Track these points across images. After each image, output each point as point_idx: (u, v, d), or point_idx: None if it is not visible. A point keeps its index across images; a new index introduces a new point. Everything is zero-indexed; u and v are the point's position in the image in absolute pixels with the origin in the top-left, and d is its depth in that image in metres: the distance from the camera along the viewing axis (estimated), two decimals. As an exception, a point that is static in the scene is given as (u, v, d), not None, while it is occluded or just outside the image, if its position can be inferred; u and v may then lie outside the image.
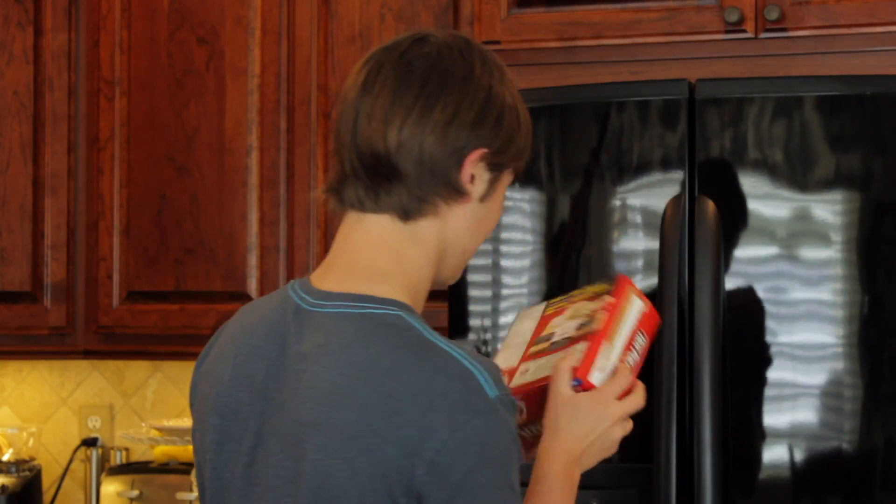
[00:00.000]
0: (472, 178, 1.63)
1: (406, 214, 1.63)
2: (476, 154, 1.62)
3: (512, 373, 1.80)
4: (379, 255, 1.64)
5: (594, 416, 1.72)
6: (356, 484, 1.51)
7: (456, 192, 1.62)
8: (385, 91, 1.62)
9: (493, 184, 1.66)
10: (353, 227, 1.67)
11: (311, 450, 1.55)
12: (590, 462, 1.74)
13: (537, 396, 1.74)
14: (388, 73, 1.63)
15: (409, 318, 1.58)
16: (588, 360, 1.73)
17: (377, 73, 1.64)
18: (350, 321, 1.59)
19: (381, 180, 1.62)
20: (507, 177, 1.69)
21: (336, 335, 1.59)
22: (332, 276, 1.66)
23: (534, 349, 1.82)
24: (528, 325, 1.87)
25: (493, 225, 1.70)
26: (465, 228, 1.66)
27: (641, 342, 1.82)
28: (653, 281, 2.41)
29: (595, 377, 1.73)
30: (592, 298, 1.82)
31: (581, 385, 1.72)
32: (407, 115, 1.61)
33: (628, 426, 1.76)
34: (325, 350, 1.58)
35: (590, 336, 1.75)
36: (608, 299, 1.80)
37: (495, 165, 1.65)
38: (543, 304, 1.91)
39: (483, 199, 1.65)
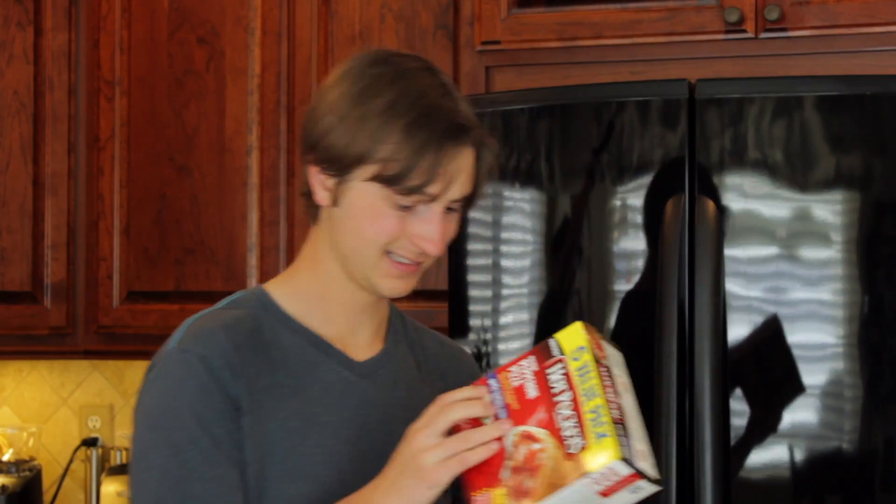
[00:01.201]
0: (325, 182, 1.68)
1: (310, 219, 1.75)
2: (308, 156, 1.70)
3: None
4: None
5: (391, 463, 1.58)
6: None
7: (309, 195, 1.71)
8: None
9: (339, 188, 1.66)
10: None
11: None
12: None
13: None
14: None
15: (230, 298, 1.75)
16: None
17: None
18: None
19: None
20: (364, 185, 1.64)
21: None
22: None
23: None
24: None
25: (370, 233, 1.66)
26: (336, 233, 1.70)
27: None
28: (653, 281, 2.41)
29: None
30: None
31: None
32: None
33: (452, 463, 1.54)
34: None
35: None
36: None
37: (326, 168, 1.66)
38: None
39: (336, 203, 1.68)
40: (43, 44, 3.34)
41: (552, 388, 1.54)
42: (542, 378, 1.56)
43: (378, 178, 1.62)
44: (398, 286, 1.70)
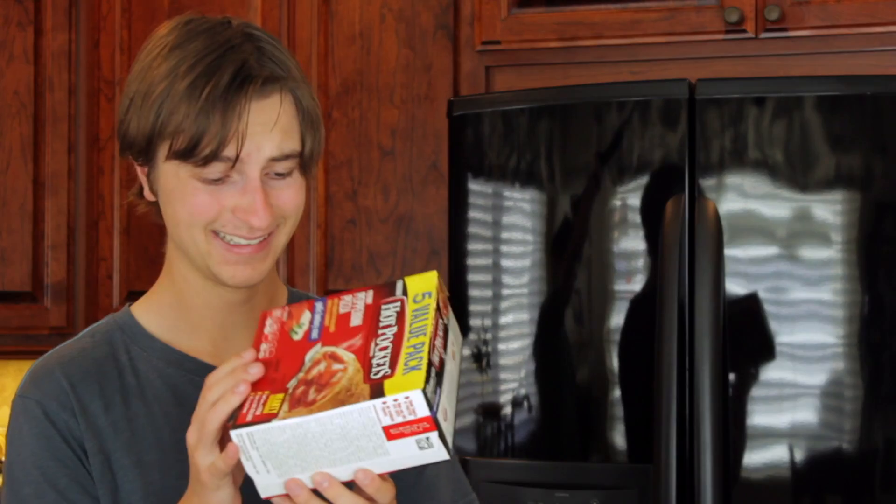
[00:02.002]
0: (143, 175, 1.53)
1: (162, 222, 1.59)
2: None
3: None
4: None
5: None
6: None
7: (141, 195, 1.55)
8: None
9: (151, 177, 1.50)
10: None
11: None
12: None
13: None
14: None
15: (92, 326, 1.61)
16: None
17: None
18: None
19: None
20: (166, 166, 1.48)
21: None
22: None
23: None
24: None
25: (184, 216, 1.48)
26: (168, 227, 1.54)
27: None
28: (653, 281, 2.41)
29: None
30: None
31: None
32: None
33: (220, 465, 1.34)
34: None
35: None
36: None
37: (135, 158, 1.51)
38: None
39: (155, 194, 1.52)
40: (43, 44, 3.34)
41: (380, 322, 1.38)
42: (373, 311, 1.39)
43: (173, 155, 1.44)
44: (239, 273, 1.49)
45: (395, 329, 1.37)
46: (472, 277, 2.58)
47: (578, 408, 2.50)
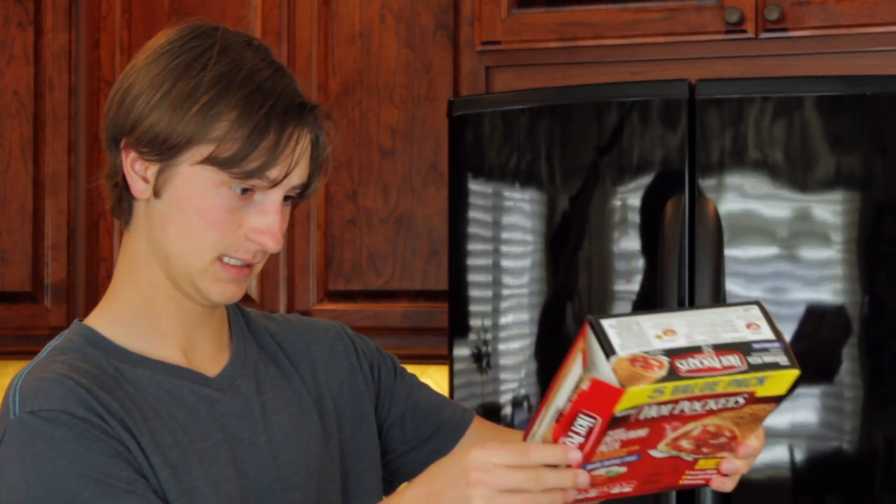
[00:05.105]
0: (144, 171, 1.48)
1: (123, 221, 1.54)
2: (122, 142, 1.48)
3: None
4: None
5: (445, 472, 1.33)
6: None
7: (126, 186, 1.50)
8: None
9: (161, 176, 1.46)
10: None
11: None
12: None
13: None
14: None
15: (49, 346, 1.53)
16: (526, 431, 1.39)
17: None
18: None
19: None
20: (194, 170, 1.45)
21: None
22: None
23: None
24: None
25: (200, 227, 1.46)
26: (157, 231, 1.49)
27: (586, 424, 1.35)
28: (653, 281, 2.41)
29: None
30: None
31: None
32: None
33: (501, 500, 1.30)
34: None
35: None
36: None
37: (147, 154, 1.46)
38: None
39: (158, 194, 1.47)
40: (43, 44, 3.34)
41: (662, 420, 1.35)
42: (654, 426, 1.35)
43: (212, 161, 1.43)
44: (229, 290, 1.49)
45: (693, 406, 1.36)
46: (472, 277, 2.58)
47: (578, 408, 2.50)
